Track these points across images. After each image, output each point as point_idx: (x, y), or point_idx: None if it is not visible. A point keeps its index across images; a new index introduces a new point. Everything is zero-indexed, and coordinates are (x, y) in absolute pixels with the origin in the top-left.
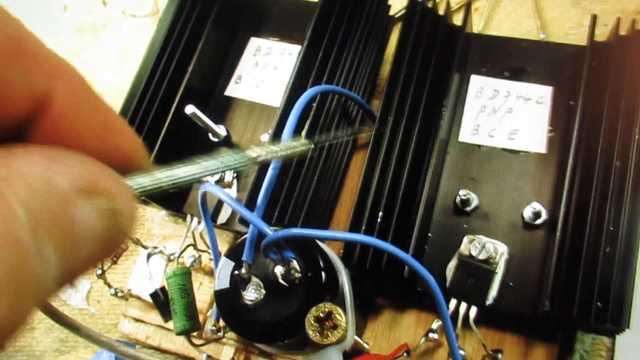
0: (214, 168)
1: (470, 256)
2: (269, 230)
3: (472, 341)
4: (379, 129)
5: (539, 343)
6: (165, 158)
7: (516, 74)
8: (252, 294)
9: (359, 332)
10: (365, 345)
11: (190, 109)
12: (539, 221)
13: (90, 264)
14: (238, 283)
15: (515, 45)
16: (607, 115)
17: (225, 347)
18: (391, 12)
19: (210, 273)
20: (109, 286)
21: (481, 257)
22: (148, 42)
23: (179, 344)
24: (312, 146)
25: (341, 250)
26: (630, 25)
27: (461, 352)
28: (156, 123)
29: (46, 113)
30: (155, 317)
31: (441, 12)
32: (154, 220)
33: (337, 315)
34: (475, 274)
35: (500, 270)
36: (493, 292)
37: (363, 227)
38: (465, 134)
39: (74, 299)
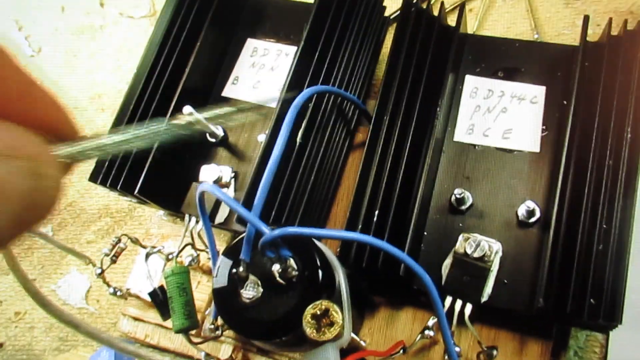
0: (141, 136)
1: (466, 254)
2: (266, 229)
3: (467, 338)
4: (375, 129)
5: (534, 339)
6: (164, 158)
7: (510, 74)
8: (250, 292)
9: (356, 329)
10: (362, 342)
11: (187, 110)
12: (532, 219)
13: (19, 225)
14: (236, 281)
15: (509, 45)
16: (600, 115)
17: (223, 345)
18: (386, 13)
19: (208, 272)
20: (108, 285)
21: (476, 255)
22: (145, 43)
23: (178, 343)
24: (237, 111)
25: (338, 249)
26: (623, 25)
27: (457, 348)
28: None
29: None
30: (154, 315)
31: (435, 12)
32: (152, 220)
33: (334, 313)
34: (471, 271)
35: (494, 268)
36: (488, 289)
37: (359, 226)
38: (460, 134)
39: (73, 298)
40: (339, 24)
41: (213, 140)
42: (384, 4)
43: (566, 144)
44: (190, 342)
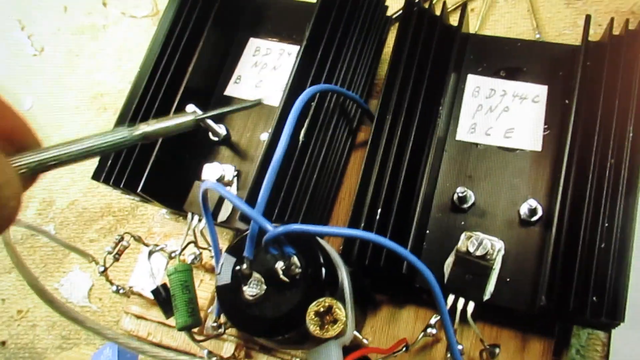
0: (99, 144)
1: (468, 252)
2: (270, 227)
3: (469, 336)
4: (378, 128)
5: (536, 337)
6: (166, 157)
7: (512, 74)
8: (253, 289)
9: (358, 327)
10: (365, 340)
11: (190, 109)
12: (535, 218)
13: None
14: (239, 279)
15: (510, 45)
16: (602, 114)
17: (226, 343)
18: (388, 13)
19: (211, 270)
20: (111, 283)
21: (478, 253)
22: (147, 42)
23: (180, 341)
24: (196, 120)
25: (340, 247)
26: (624, 25)
27: (459, 346)
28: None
29: None
30: (156, 314)
31: (437, 12)
32: (154, 219)
33: (337, 310)
34: (473, 270)
35: (497, 266)
36: (490, 287)
37: (362, 224)
38: (462, 133)
39: (75, 297)
40: (341, 24)
41: (215, 139)
42: (386, 3)
43: (568, 142)
44: (193, 339)
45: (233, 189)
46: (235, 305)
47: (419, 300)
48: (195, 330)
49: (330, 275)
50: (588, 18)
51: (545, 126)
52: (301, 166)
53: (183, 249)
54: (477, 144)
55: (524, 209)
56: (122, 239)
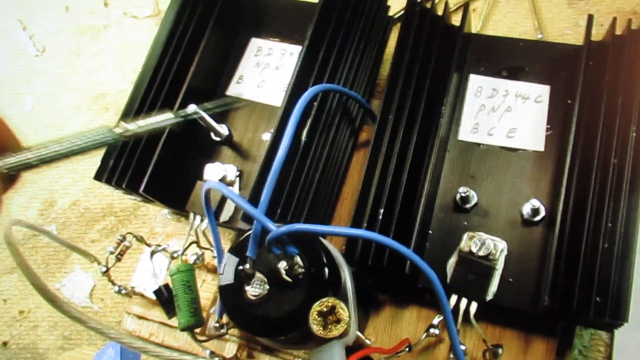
0: (81, 144)
1: (471, 253)
2: (273, 226)
3: (472, 336)
4: (380, 127)
5: (539, 338)
6: (168, 157)
7: (514, 73)
8: (256, 289)
9: (361, 327)
10: (367, 341)
11: (192, 108)
12: (537, 218)
13: None
14: (242, 278)
15: (513, 45)
16: (605, 114)
17: (228, 343)
18: (390, 13)
19: (213, 270)
20: (113, 283)
21: (481, 253)
22: (149, 42)
23: (182, 341)
24: (178, 120)
25: (343, 247)
26: (626, 25)
27: (462, 347)
28: None
29: None
30: (158, 314)
31: (440, 12)
32: (156, 219)
33: (341, 310)
34: (476, 270)
35: (500, 267)
36: (493, 287)
37: (365, 224)
38: (465, 133)
39: (77, 297)
40: (343, 24)
41: (217, 139)
42: (388, 3)
43: (571, 142)
44: (196, 340)
45: (235, 189)
46: (238, 305)
47: (421, 301)
48: (198, 330)
49: (333, 275)
50: (591, 18)
51: (548, 126)
52: (303, 166)
53: (185, 249)
54: (479, 144)
55: (526, 209)
56: (124, 239)
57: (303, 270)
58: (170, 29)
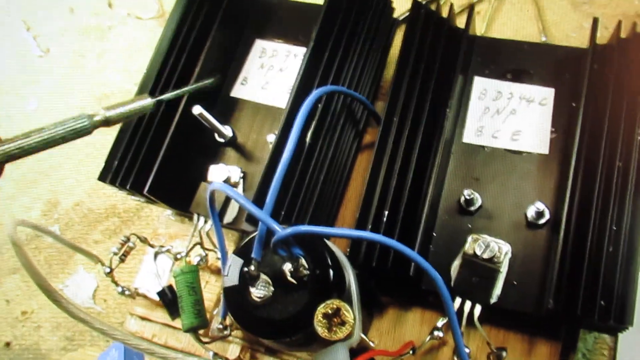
0: (60, 132)
1: (475, 255)
2: (278, 228)
3: (476, 339)
4: (385, 129)
5: (543, 341)
6: (172, 158)
7: (519, 76)
8: (260, 290)
9: (365, 330)
10: (371, 343)
11: (197, 110)
12: (542, 221)
13: None
14: (247, 280)
15: (517, 47)
16: (609, 117)
17: (231, 345)
18: (395, 15)
19: (217, 272)
20: (117, 284)
21: (485, 256)
22: (153, 44)
23: (185, 342)
24: (152, 104)
25: (347, 249)
26: (631, 28)
27: (466, 350)
28: (164, 123)
29: None
30: (161, 315)
31: (444, 14)
32: (159, 220)
33: (345, 312)
34: (480, 272)
35: (504, 269)
36: (497, 290)
37: (369, 226)
38: (469, 135)
39: (80, 298)
40: (348, 26)
41: (221, 140)
42: (393, 5)
43: (576, 145)
44: (199, 341)
45: (239, 191)
46: (243, 307)
47: (424, 303)
48: (201, 332)
49: (337, 277)
50: (596, 21)
51: (553, 129)
52: (308, 168)
53: (189, 251)
54: (484, 147)
55: (531, 212)
56: (127, 240)
57: (308, 272)
58: (174, 30)
